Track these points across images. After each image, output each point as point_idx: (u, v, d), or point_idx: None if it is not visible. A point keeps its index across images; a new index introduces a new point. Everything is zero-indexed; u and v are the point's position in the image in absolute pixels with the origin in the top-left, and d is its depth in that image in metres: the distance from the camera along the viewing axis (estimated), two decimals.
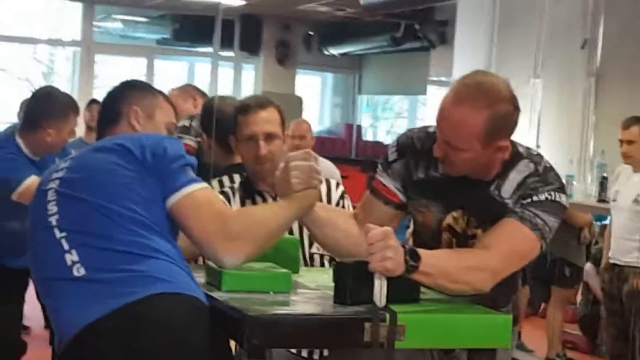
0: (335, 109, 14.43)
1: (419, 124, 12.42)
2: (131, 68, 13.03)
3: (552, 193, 2.51)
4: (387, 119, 15.24)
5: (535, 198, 2.49)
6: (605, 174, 5.96)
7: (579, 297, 7.50)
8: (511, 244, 2.46)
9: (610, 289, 5.45)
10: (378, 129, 14.94)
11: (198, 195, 2.30)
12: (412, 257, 2.27)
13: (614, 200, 5.50)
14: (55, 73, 14.47)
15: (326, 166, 5.17)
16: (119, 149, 2.32)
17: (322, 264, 3.12)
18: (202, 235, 2.30)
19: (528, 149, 2.61)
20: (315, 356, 3.06)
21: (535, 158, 2.57)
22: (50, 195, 2.32)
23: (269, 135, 3.13)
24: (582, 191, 6.34)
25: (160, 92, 2.61)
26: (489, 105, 2.42)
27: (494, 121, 2.43)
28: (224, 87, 12.17)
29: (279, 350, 2.90)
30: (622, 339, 5.34)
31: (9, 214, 3.81)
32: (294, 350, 3.03)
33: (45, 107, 3.97)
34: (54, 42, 13.60)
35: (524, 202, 2.49)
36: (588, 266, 7.07)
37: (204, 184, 2.36)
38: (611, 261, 5.46)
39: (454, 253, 2.49)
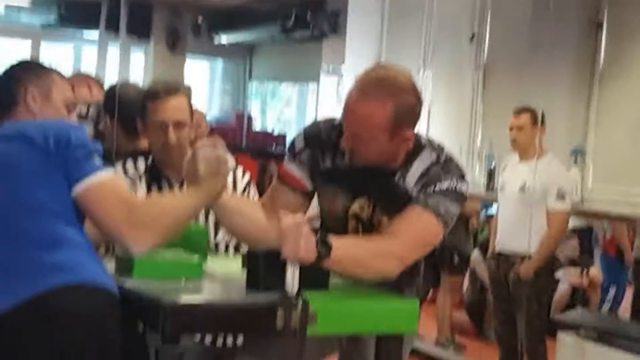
0: (224, 97, 14.37)
1: (308, 112, 12.52)
2: (16, 52, 12.69)
3: (454, 182, 2.60)
4: (275, 106, 15.27)
5: (438, 187, 2.58)
6: (492, 164, 6.13)
7: (466, 284, 7.69)
8: (416, 231, 2.55)
9: (497, 276, 5.60)
10: (267, 116, 14.96)
11: (104, 184, 2.29)
12: (324, 245, 2.33)
13: (501, 190, 5.66)
14: None
15: None
16: (22, 137, 2.28)
17: (227, 251, 3.14)
18: (109, 224, 2.29)
19: (430, 140, 2.70)
20: (229, 345, 3.07)
21: (437, 148, 2.66)
22: None
23: (178, 123, 3.11)
24: (471, 181, 6.50)
25: (54, 70, 2.55)
26: (393, 98, 2.49)
27: (399, 112, 2.50)
28: (113, 72, 11.96)
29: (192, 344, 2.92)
30: (509, 324, 5.52)
31: None
32: (207, 341, 3.04)
33: None
34: None
35: (427, 190, 2.58)
36: (475, 254, 7.26)
37: (110, 172, 2.35)
38: (498, 249, 5.62)
39: (363, 241, 2.55)
